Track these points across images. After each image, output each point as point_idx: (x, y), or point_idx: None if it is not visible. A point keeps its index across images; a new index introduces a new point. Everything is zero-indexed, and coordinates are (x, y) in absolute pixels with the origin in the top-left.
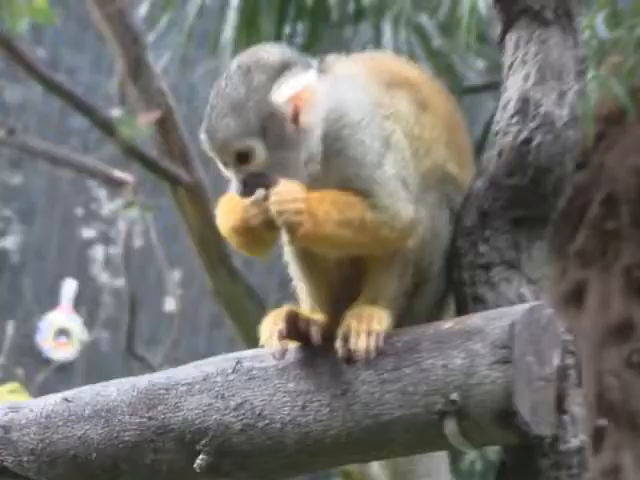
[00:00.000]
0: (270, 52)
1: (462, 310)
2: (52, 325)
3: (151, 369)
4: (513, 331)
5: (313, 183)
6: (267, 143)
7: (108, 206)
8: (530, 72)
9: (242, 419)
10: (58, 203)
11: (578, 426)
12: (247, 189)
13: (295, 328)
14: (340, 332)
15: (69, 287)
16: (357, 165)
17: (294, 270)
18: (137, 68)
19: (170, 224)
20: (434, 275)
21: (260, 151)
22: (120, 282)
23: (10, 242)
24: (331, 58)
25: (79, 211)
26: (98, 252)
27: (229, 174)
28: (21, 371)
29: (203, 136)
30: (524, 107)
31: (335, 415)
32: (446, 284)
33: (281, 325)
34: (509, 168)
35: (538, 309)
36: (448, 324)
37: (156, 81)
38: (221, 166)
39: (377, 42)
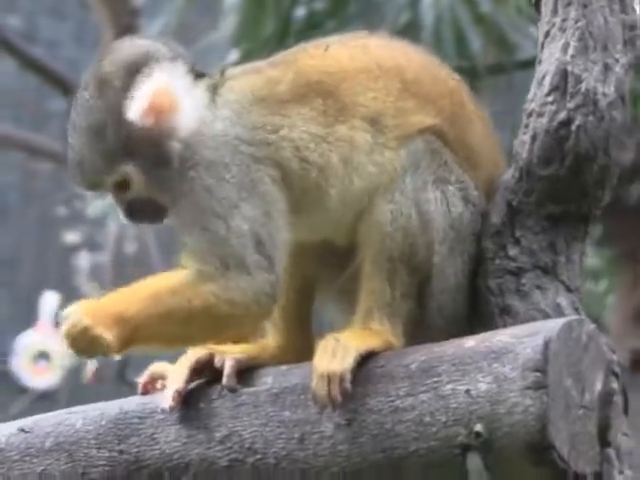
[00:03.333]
0: (118, 54)
1: (488, 323)
2: (29, 347)
3: None
4: (548, 351)
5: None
6: (140, 164)
7: (95, 205)
8: (569, 41)
9: (229, 453)
10: (35, 202)
11: (624, 461)
12: (136, 216)
13: (211, 368)
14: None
15: (49, 301)
16: (199, 212)
17: None
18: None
19: (170, 226)
20: (439, 269)
21: (135, 176)
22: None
23: None
24: (231, 72)
25: (60, 211)
26: (83, 259)
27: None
28: None
29: (71, 178)
30: (562, 83)
31: (339, 449)
32: (467, 290)
33: (180, 384)
34: (544, 155)
35: (577, 324)
36: (471, 342)
37: None
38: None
39: (414, 5)
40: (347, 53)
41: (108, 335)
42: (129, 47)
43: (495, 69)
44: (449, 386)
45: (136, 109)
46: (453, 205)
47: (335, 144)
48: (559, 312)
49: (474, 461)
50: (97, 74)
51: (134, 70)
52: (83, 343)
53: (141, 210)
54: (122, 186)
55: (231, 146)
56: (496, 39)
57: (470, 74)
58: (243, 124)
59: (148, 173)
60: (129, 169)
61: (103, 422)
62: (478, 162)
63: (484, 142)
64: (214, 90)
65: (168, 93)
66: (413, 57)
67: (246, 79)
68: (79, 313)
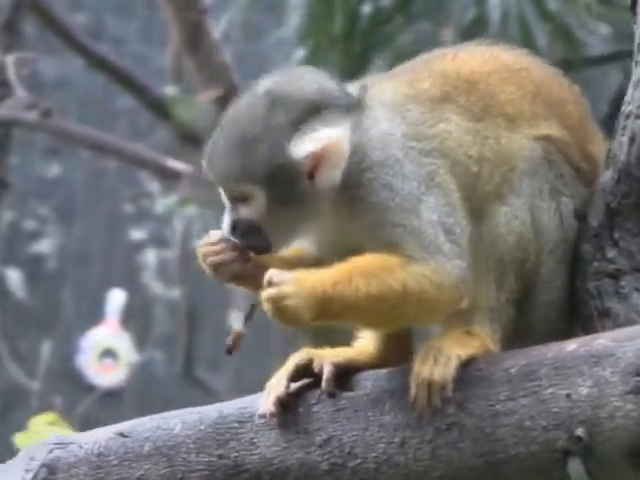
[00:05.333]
0: (302, 86)
1: (587, 327)
2: (96, 344)
3: (214, 397)
4: None
5: (321, 249)
6: (269, 194)
7: (161, 202)
8: None
9: (329, 458)
10: (102, 199)
11: None
12: (234, 233)
13: (310, 372)
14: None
15: (116, 299)
16: (382, 212)
17: None
18: (195, 37)
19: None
20: (545, 279)
21: (259, 201)
22: (176, 293)
23: (46, 246)
24: (370, 80)
25: (127, 208)
26: (150, 257)
27: (224, 203)
28: (59, 399)
29: (203, 157)
30: None
31: (439, 454)
32: (568, 294)
33: (282, 389)
34: None
35: None
36: (571, 346)
37: (217, 53)
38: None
39: (480, 2)
40: (476, 58)
41: (304, 314)
42: (313, 81)
43: (562, 66)
44: (549, 390)
45: (304, 149)
46: (566, 217)
47: (486, 140)
48: None
49: (575, 466)
50: (276, 91)
51: (313, 109)
52: (279, 312)
53: (243, 229)
54: (239, 199)
55: (399, 143)
56: (563, 36)
57: None
58: (406, 122)
59: (272, 206)
60: (256, 191)
61: (202, 426)
62: (596, 173)
63: (603, 152)
64: (361, 101)
65: (339, 152)
66: (537, 62)
67: (388, 84)
68: (290, 283)
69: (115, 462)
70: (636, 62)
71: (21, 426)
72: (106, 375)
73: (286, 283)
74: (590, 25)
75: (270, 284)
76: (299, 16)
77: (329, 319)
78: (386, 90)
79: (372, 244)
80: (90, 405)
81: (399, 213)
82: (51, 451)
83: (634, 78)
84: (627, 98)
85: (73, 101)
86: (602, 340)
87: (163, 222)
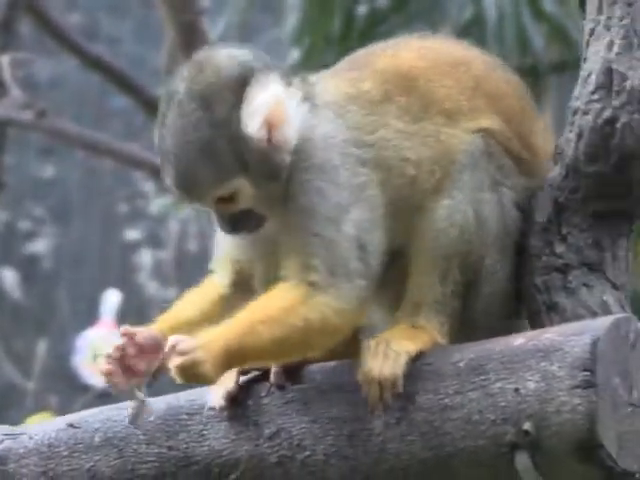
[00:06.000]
0: (217, 70)
1: (535, 321)
2: (91, 344)
3: None
4: (596, 349)
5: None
6: (252, 178)
7: (157, 202)
8: (614, 39)
9: (278, 450)
10: (97, 199)
11: None
12: (236, 227)
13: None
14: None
15: (111, 299)
16: (308, 217)
17: None
18: (190, 37)
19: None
20: (488, 271)
21: (246, 189)
22: (171, 293)
23: (41, 246)
24: (314, 78)
25: (122, 209)
26: (145, 257)
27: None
28: (55, 399)
29: (173, 189)
30: (607, 81)
31: (388, 447)
32: (514, 288)
33: (232, 383)
34: (590, 153)
35: (625, 322)
36: (519, 340)
37: None
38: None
39: (476, 2)
40: (415, 53)
41: (216, 374)
42: (228, 58)
43: (558, 67)
44: (498, 384)
45: (252, 123)
46: (507, 209)
47: (425, 140)
48: (606, 310)
49: (522, 460)
50: (198, 87)
51: (242, 82)
52: (190, 377)
53: (242, 221)
54: (227, 200)
55: (339, 148)
56: (558, 37)
57: (532, 72)
58: (346, 125)
59: (258, 186)
60: (240, 183)
61: (152, 418)
62: (538, 164)
63: (546, 142)
64: (307, 94)
65: (281, 106)
66: (477, 55)
67: (331, 81)
68: (197, 352)
69: (65, 453)
70: (585, 58)
71: (16, 426)
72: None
73: (194, 350)
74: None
75: (176, 353)
76: (295, 16)
77: (241, 366)
78: (329, 88)
79: (286, 246)
80: (85, 405)
81: (322, 222)
82: (1, 442)
83: (582, 74)
84: (575, 94)
85: (68, 101)
86: (550, 335)
87: (158, 222)
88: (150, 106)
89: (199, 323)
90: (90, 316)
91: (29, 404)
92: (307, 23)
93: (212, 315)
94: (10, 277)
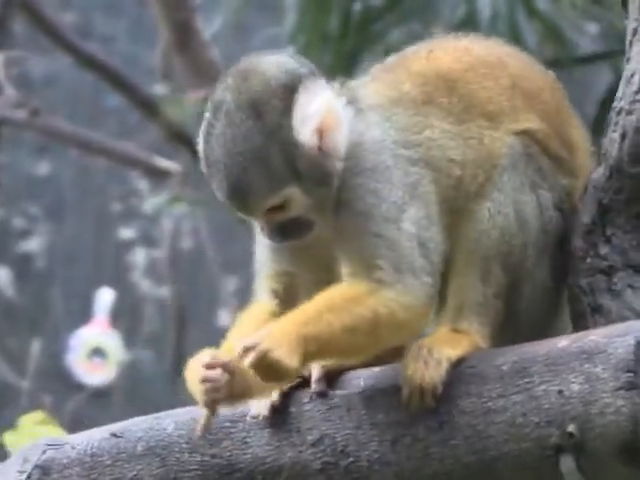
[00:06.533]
0: (267, 73)
1: (579, 323)
2: (85, 343)
3: None
4: (639, 351)
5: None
6: (303, 185)
7: (150, 201)
8: None
9: (321, 456)
10: (91, 198)
11: None
12: (285, 235)
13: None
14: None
15: (105, 297)
16: (366, 219)
17: None
18: (184, 36)
19: (224, 222)
20: (528, 272)
21: (298, 197)
22: (165, 291)
23: (35, 244)
24: (354, 84)
25: (116, 207)
26: (139, 256)
27: (255, 221)
28: (49, 398)
29: (224, 200)
30: None
31: (431, 452)
32: (557, 287)
33: (275, 395)
34: (634, 153)
35: None
36: (563, 342)
37: (207, 51)
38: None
39: (470, 2)
40: (450, 55)
41: (291, 360)
42: (274, 66)
43: (552, 65)
44: (541, 387)
45: (304, 130)
46: (546, 210)
47: (469, 142)
48: None
49: (567, 462)
50: (246, 96)
51: (290, 90)
52: (267, 370)
53: (290, 229)
54: (278, 208)
55: (389, 150)
56: (552, 35)
57: None
58: (394, 127)
59: (309, 193)
60: (292, 191)
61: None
62: (576, 162)
63: (582, 139)
64: (351, 98)
65: (332, 112)
66: (510, 52)
67: (370, 86)
68: (264, 342)
69: (108, 462)
70: (628, 58)
71: (10, 425)
72: (95, 374)
73: (260, 342)
74: (579, 24)
75: (246, 351)
76: (290, 15)
77: (311, 359)
78: (370, 92)
79: (344, 252)
80: (79, 404)
81: (381, 223)
82: (44, 452)
83: (626, 74)
84: (619, 94)
85: (62, 100)
86: (593, 337)
87: (152, 221)
88: (144, 105)
89: None
90: (84, 314)
91: (23, 403)
92: (304, 22)
93: None
94: (4, 275)
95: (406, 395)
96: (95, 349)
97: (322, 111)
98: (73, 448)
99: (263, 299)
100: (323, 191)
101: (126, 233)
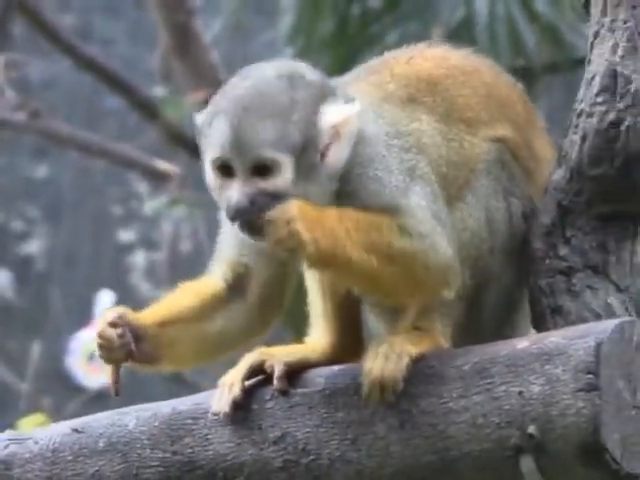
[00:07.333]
0: (309, 72)
1: (540, 324)
2: (85, 345)
3: None
4: (600, 353)
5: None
6: (296, 166)
7: (150, 203)
8: (619, 42)
9: (283, 454)
10: (90, 200)
11: None
12: (253, 207)
13: (263, 370)
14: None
15: (104, 299)
16: (376, 197)
17: (309, 287)
18: (184, 38)
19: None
20: (494, 277)
21: (287, 170)
22: (164, 294)
23: (34, 246)
24: (341, 81)
25: (116, 210)
26: (138, 258)
27: (225, 186)
28: (48, 400)
29: (220, 130)
30: (611, 83)
31: (392, 450)
32: (520, 292)
33: (237, 390)
34: (594, 156)
35: (629, 325)
36: (524, 343)
37: (206, 54)
38: (214, 174)
39: (468, 3)
40: (430, 62)
41: (308, 234)
42: (309, 71)
43: (550, 68)
44: (502, 388)
45: (329, 120)
46: (515, 218)
47: (451, 144)
48: (610, 312)
49: (527, 463)
50: (287, 71)
51: (326, 91)
52: (284, 233)
53: (261, 203)
54: (262, 171)
55: (383, 141)
56: (550, 37)
57: (525, 73)
58: (386, 122)
59: (298, 178)
60: (286, 162)
61: (156, 423)
62: (540, 171)
63: (545, 148)
64: (347, 99)
65: (353, 128)
66: (482, 62)
67: (359, 85)
68: (292, 207)
69: (70, 458)
70: (589, 60)
71: (10, 427)
72: (95, 376)
73: (292, 209)
74: (577, 26)
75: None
76: (288, 17)
77: (326, 255)
78: (361, 91)
79: None
80: (79, 406)
81: (394, 193)
82: (7, 446)
83: (586, 77)
84: (579, 96)
85: (61, 102)
86: (554, 338)
87: (151, 223)
88: (143, 107)
89: (186, 318)
90: (83, 317)
91: (23, 405)
92: (301, 24)
93: (201, 312)
94: (3, 278)
95: (366, 389)
96: (95, 351)
97: (346, 115)
98: (36, 443)
99: (213, 278)
100: (310, 186)
101: (126, 235)
